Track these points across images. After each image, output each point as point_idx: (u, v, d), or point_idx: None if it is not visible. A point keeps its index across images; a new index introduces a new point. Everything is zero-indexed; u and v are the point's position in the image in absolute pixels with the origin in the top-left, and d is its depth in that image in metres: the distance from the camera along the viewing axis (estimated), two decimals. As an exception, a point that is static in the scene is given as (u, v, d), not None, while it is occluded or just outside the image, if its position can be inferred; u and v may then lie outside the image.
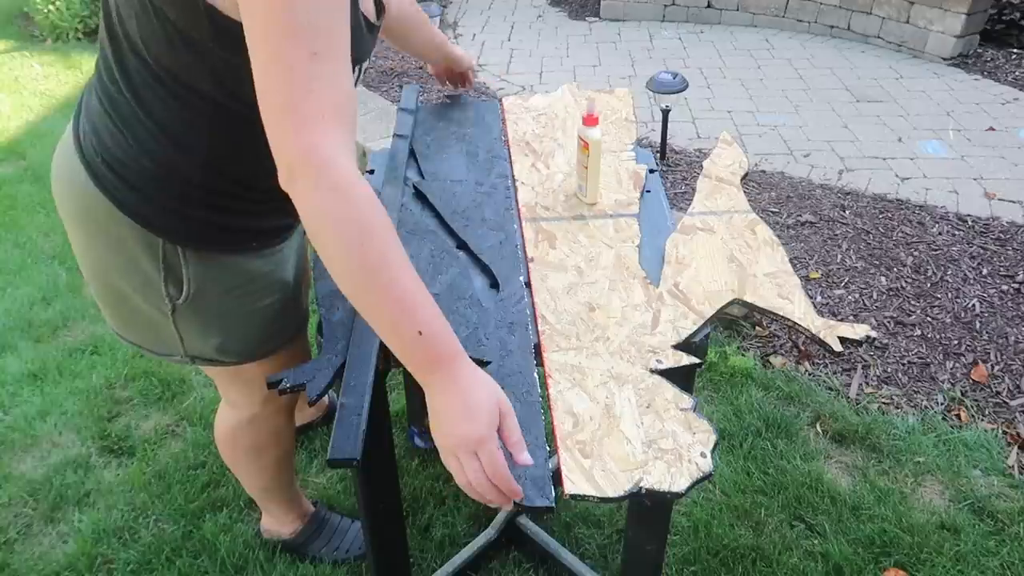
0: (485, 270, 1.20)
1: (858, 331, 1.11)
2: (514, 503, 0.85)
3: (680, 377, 1.02)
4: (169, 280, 1.12)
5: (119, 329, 1.26)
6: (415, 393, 1.96)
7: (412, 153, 1.52)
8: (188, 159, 1.04)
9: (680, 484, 0.87)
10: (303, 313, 1.36)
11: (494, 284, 1.17)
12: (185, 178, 1.06)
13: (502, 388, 0.91)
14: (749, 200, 1.36)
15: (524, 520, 1.73)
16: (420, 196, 1.39)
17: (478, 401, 0.85)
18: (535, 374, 1.02)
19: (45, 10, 5.22)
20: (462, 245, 1.25)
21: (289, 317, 1.31)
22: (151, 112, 1.01)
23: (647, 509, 1.16)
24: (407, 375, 1.95)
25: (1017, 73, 4.25)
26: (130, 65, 0.99)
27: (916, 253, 2.75)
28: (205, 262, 1.13)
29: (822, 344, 1.10)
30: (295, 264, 1.31)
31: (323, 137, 0.81)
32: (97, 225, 1.10)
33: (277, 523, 1.72)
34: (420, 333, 0.84)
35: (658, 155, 3.38)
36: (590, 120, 1.26)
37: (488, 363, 1.03)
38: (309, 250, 1.37)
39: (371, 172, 1.47)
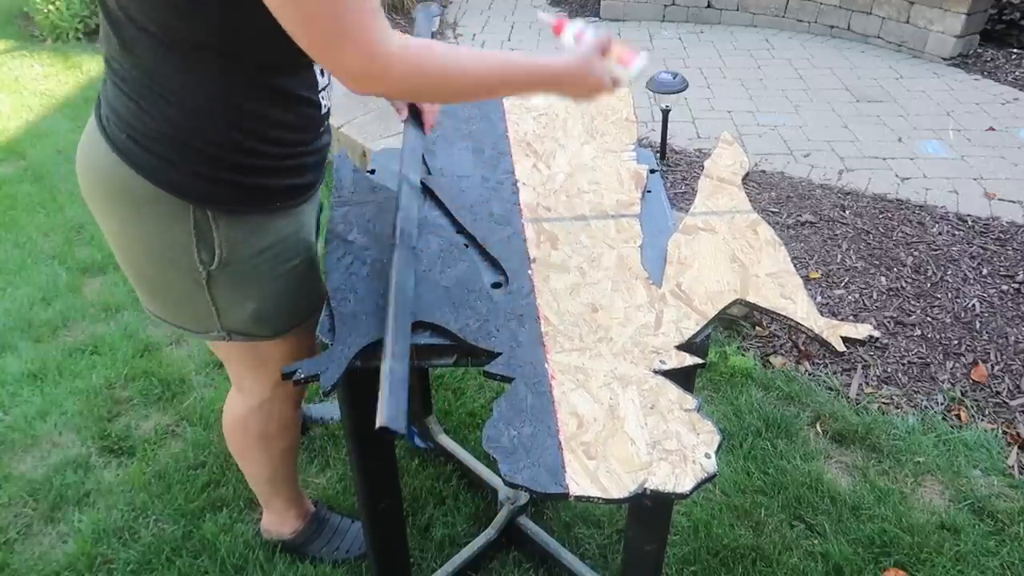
0: (494, 264, 1.21)
1: (861, 331, 1.11)
2: (531, 492, 0.88)
3: (681, 377, 1.02)
4: (201, 246, 1.16)
5: (156, 310, 1.29)
6: (415, 393, 1.96)
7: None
8: (204, 118, 1.07)
9: (685, 485, 0.87)
10: (322, 288, 1.37)
11: (503, 277, 1.18)
12: (206, 139, 1.09)
13: (513, 379, 1.00)
14: (749, 200, 1.36)
15: (524, 520, 1.73)
16: (428, 191, 1.39)
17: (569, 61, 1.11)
18: (546, 364, 1.02)
19: (45, 10, 5.21)
20: (471, 239, 1.26)
21: (313, 284, 1.34)
22: (161, 79, 1.05)
23: (647, 509, 1.16)
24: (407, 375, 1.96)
25: (1017, 73, 4.26)
26: (135, 41, 1.03)
27: (916, 253, 2.75)
28: (234, 224, 1.16)
29: (825, 344, 1.10)
30: (314, 229, 1.34)
31: (374, 34, 0.91)
32: (127, 201, 1.13)
33: (278, 521, 1.72)
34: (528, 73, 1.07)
35: (658, 155, 3.38)
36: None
37: (499, 354, 1.03)
38: (320, 244, 1.37)
39: (372, 172, 1.47)
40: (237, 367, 1.43)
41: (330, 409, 2.12)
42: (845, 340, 1.10)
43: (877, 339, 2.38)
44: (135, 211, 1.14)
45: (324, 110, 1.23)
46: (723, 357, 2.31)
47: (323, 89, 1.21)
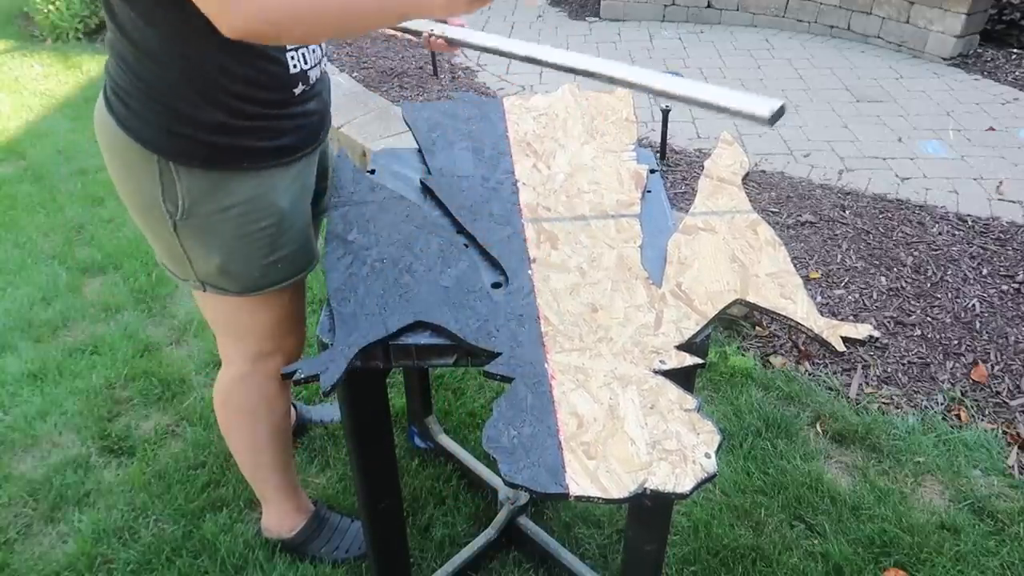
0: (494, 264, 1.21)
1: (861, 331, 1.11)
2: (531, 492, 0.87)
3: (680, 377, 1.02)
4: (166, 196, 1.22)
5: (156, 252, 1.36)
6: (415, 393, 1.96)
7: (419, 151, 1.53)
8: (162, 71, 1.14)
9: (685, 485, 0.87)
10: (306, 255, 1.40)
11: (503, 277, 1.18)
12: (165, 90, 1.16)
13: (513, 379, 0.98)
14: (749, 200, 1.36)
15: (524, 520, 1.73)
16: (428, 191, 1.40)
17: None
18: (546, 364, 1.02)
19: (45, 10, 5.22)
20: (471, 239, 1.26)
21: (290, 249, 1.35)
22: (131, 37, 1.13)
23: (647, 509, 1.16)
24: (407, 375, 1.97)
25: (1017, 73, 4.26)
26: (115, 6, 1.12)
27: (916, 253, 2.75)
28: (196, 179, 1.21)
29: (825, 344, 1.10)
30: (294, 196, 1.34)
31: None
32: (115, 150, 1.23)
33: (277, 518, 1.72)
34: None
35: (658, 155, 3.38)
36: None
37: (499, 354, 1.03)
38: (321, 239, 1.37)
39: (372, 172, 1.47)
40: (220, 334, 1.46)
41: (330, 411, 2.12)
42: (845, 340, 1.10)
43: (877, 339, 2.38)
44: (121, 160, 1.23)
45: (295, 69, 1.24)
46: (723, 357, 2.31)
47: (293, 49, 1.23)
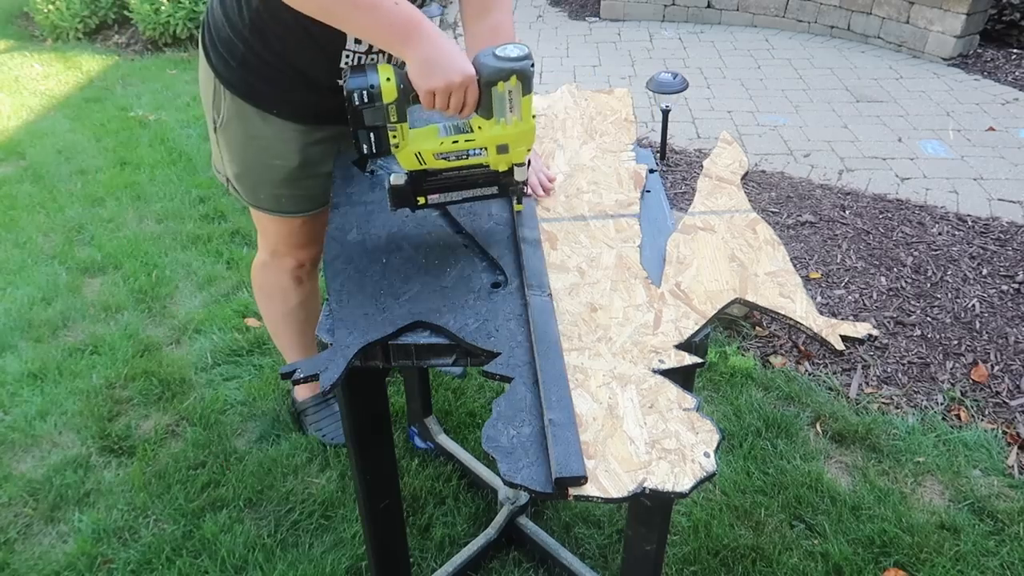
0: (494, 264, 1.21)
1: (860, 330, 1.11)
2: (530, 492, 0.88)
3: (680, 377, 1.02)
4: (215, 106, 1.51)
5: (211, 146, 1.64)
6: (415, 393, 1.96)
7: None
8: (240, 24, 1.40)
9: (684, 484, 0.87)
10: (311, 202, 1.61)
11: (503, 277, 1.18)
12: (239, 39, 1.42)
13: (512, 378, 1.00)
14: (749, 200, 1.36)
15: (524, 520, 1.73)
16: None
17: (457, 51, 1.10)
18: None
19: (45, 10, 5.22)
20: (471, 239, 1.26)
21: (295, 193, 1.58)
22: None
23: (647, 509, 1.16)
24: (407, 375, 1.96)
25: (1017, 73, 4.26)
26: None
27: (916, 253, 2.75)
28: (234, 104, 1.48)
29: (824, 343, 1.10)
30: (309, 157, 1.54)
31: None
32: (200, 64, 1.54)
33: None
34: (396, 2, 1.11)
35: (658, 155, 3.38)
36: None
37: (498, 354, 1.03)
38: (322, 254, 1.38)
39: (372, 172, 1.47)
40: (256, 223, 1.72)
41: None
42: (844, 339, 1.10)
43: (876, 338, 2.38)
44: (202, 72, 1.54)
45: (344, 63, 1.41)
46: (723, 357, 2.31)
47: (353, 53, 1.38)
